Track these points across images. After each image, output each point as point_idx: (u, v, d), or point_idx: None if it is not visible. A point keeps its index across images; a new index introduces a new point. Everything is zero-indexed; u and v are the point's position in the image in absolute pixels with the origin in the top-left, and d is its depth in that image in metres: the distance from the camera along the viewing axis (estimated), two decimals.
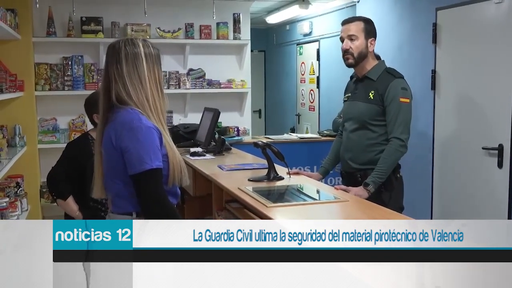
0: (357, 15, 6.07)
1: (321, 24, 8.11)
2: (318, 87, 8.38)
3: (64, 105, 6.46)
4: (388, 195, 3.22)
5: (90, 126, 6.46)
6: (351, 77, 3.52)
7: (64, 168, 3.29)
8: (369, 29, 3.27)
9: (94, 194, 2.35)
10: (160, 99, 2.28)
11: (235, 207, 3.13)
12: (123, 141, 2.13)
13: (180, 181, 2.29)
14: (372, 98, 3.21)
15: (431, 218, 4.78)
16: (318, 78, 8.34)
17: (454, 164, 4.55)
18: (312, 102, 8.68)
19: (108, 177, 2.26)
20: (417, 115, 4.99)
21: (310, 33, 8.58)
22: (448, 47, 4.61)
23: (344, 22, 3.32)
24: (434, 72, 4.75)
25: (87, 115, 3.42)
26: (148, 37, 6.48)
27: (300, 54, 9.07)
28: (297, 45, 9.18)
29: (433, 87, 4.76)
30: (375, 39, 3.30)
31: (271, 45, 10.41)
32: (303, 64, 8.98)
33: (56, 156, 6.32)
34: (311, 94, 8.69)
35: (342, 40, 3.32)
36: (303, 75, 8.99)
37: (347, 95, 3.47)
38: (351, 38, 3.25)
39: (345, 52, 3.29)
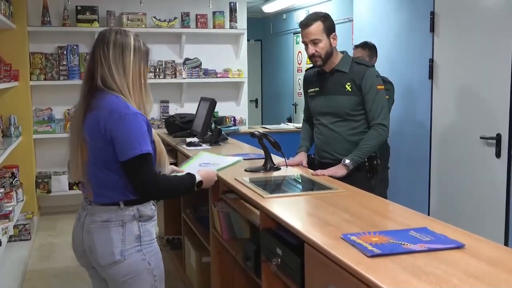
0: (354, 3, 6.02)
1: None
2: None
3: (59, 95, 6.42)
4: (374, 181, 3.27)
5: None
6: (310, 69, 3.43)
7: None
8: (329, 26, 3.17)
9: (73, 177, 2.30)
10: (142, 93, 2.26)
11: (231, 198, 3.10)
12: (113, 128, 2.12)
13: (163, 167, 2.34)
14: (350, 90, 3.19)
15: (429, 209, 4.76)
16: None
17: (452, 153, 4.51)
18: None
19: (94, 165, 2.22)
20: (414, 104, 4.96)
21: None
22: (446, 36, 4.56)
23: (303, 26, 3.18)
24: (431, 61, 4.71)
25: None
26: (143, 26, 6.42)
27: (297, 43, 9.01)
28: (294, 34, 9.12)
29: (431, 76, 4.72)
30: (335, 33, 3.21)
31: (268, 34, 10.35)
32: (300, 53, 8.92)
33: (52, 146, 6.33)
34: None
35: (305, 44, 3.21)
36: (300, 64, 8.94)
37: (313, 89, 3.37)
38: (314, 42, 3.15)
39: (312, 56, 3.19)
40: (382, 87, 3.23)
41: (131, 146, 2.13)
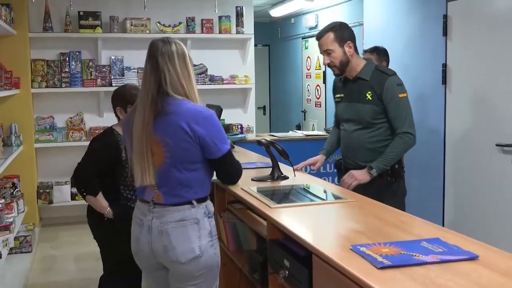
0: (364, 7, 6.03)
1: (328, 16, 8.07)
2: (324, 82, 8.34)
3: (61, 103, 6.45)
4: (397, 184, 3.40)
5: (88, 124, 6.49)
6: (337, 75, 3.59)
7: (93, 164, 3.26)
8: (341, 36, 3.34)
9: (143, 182, 2.42)
10: (198, 96, 2.52)
11: (238, 208, 3.11)
12: (201, 129, 2.37)
13: None
14: (370, 98, 3.31)
15: (443, 218, 4.74)
16: (324, 73, 8.29)
17: (466, 161, 4.50)
18: (318, 98, 8.64)
19: (172, 166, 2.40)
20: (427, 111, 4.96)
21: (316, 27, 8.54)
22: (460, 40, 4.56)
23: (316, 38, 3.44)
24: (445, 66, 4.71)
25: (112, 107, 3.40)
26: (148, 31, 6.47)
27: (306, 48, 9.03)
28: (302, 39, 9.14)
29: (444, 81, 4.72)
30: (352, 40, 3.36)
31: (276, 39, 10.37)
32: (308, 59, 8.94)
33: (54, 155, 6.36)
34: (317, 90, 8.65)
35: (322, 54, 3.46)
36: (308, 70, 8.96)
37: (339, 95, 3.55)
38: (327, 52, 3.35)
39: (328, 66, 3.42)
40: (405, 94, 3.34)
41: (222, 143, 2.45)
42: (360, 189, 3.14)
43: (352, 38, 3.37)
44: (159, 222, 2.42)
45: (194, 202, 2.44)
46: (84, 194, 3.27)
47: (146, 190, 2.48)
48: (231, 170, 2.59)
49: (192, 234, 2.41)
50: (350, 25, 3.53)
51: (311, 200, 2.80)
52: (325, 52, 3.37)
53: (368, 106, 3.31)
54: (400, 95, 3.29)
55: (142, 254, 2.51)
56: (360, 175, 3.24)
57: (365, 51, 4.80)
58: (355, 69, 3.38)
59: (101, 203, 3.21)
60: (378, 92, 3.29)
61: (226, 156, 2.47)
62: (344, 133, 3.51)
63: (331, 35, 3.33)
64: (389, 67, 4.77)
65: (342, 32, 3.35)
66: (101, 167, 3.23)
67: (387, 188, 3.31)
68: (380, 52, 4.72)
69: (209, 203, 2.53)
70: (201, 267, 2.42)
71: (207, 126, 2.39)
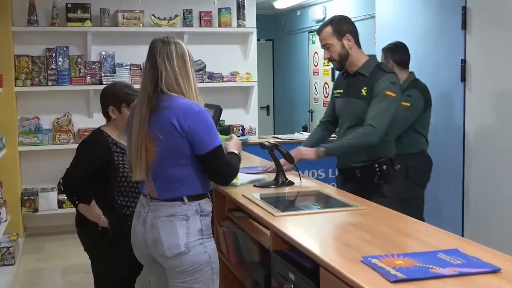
0: None
1: (336, 8, 8.07)
2: (333, 79, 8.34)
3: (47, 102, 6.45)
4: (387, 187, 3.41)
5: (76, 125, 6.49)
6: (338, 70, 3.72)
7: (84, 169, 3.24)
8: (339, 29, 3.45)
9: (138, 177, 2.65)
10: (199, 94, 2.70)
11: (239, 217, 3.11)
12: (191, 124, 2.54)
13: None
14: (365, 94, 3.39)
15: (462, 226, 4.73)
16: (333, 69, 8.30)
17: (488, 165, 4.49)
18: (326, 97, 8.64)
19: (163, 161, 2.59)
20: (445, 110, 4.95)
21: (323, 19, 8.53)
22: (480, 34, 4.55)
23: (317, 33, 3.60)
24: (464, 62, 4.70)
25: (101, 107, 3.39)
26: (141, 25, 6.47)
27: (313, 42, 9.03)
28: (309, 32, 9.14)
29: (463, 79, 4.71)
30: (351, 33, 3.45)
31: (280, 33, 10.38)
32: (316, 54, 8.94)
33: (39, 159, 6.36)
34: (325, 88, 8.65)
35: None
36: (316, 66, 8.96)
37: (338, 91, 3.64)
38: (326, 47, 3.50)
39: (329, 60, 3.57)
40: (394, 94, 3.36)
41: (210, 139, 2.58)
42: (346, 189, 3.24)
43: (352, 32, 3.46)
44: (152, 216, 2.62)
45: (185, 199, 2.60)
46: (76, 202, 3.24)
47: (145, 184, 2.70)
48: (219, 168, 2.65)
49: (179, 230, 2.57)
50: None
51: (318, 208, 2.80)
52: (324, 46, 3.51)
53: (362, 102, 3.39)
54: (388, 92, 3.32)
55: (138, 245, 2.72)
56: (306, 151, 3.37)
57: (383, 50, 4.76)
58: (356, 63, 3.47)
59: (95, 211, 3.19)
60: (373, 87, 3.36)
61: (213, 152, 2.58)
62: (339, 130, 3.63)
63: (329, 29, 3.47)
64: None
65: (341, 25, 3.46)
66: (92, 172, 3.21)
67: (375, 190, 3.34)
68: (384, 50, 4.68)
69: (203, 202, 2.65)
70: (188, 264, 2.57)
71: (196, 121, 2.55)
